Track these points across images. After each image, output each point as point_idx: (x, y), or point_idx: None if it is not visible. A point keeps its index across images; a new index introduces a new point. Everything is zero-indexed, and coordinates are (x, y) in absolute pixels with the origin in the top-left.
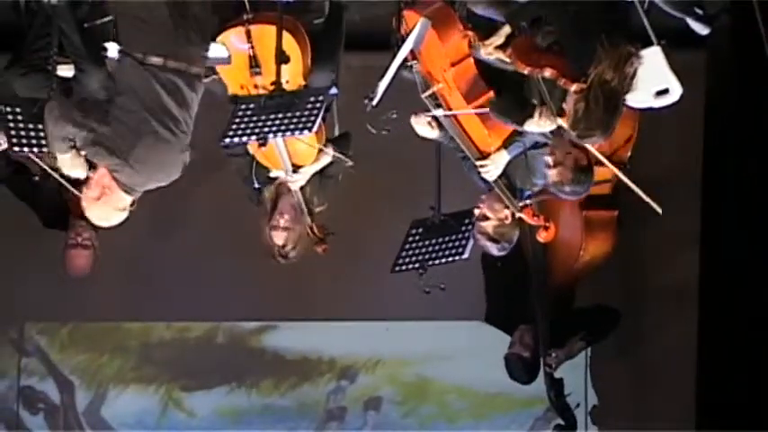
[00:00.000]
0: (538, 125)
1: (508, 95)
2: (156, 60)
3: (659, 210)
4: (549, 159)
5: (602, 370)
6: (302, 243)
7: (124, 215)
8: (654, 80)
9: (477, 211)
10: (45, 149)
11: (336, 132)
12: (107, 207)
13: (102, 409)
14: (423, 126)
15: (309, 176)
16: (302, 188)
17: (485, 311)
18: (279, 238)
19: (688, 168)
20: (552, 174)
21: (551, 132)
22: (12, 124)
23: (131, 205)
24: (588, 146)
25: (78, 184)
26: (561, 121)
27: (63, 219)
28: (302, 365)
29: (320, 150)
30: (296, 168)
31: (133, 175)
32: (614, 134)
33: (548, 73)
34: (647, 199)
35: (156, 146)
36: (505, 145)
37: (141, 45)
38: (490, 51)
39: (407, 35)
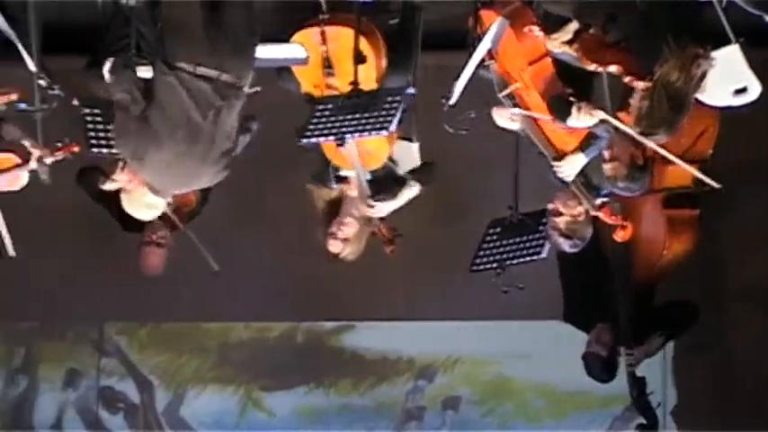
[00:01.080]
0: (578, 120)
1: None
2: (202, 71)
3: (716, 185)
4: (606, 153)
5: (683, 369)
6: (361, 249)
7: (154, 213)
8: (732, 78)
9: (550, 206)
10: None
11: (413, 135)
12: (132, 197)
13: (181, 409)
14: (505, 118)
15: (391, 210)
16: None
17: (562, 310)
18: (335, 247)
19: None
20: (607, 168)
21: (617, 130)
22: (90, 125)
23: (168, 205)
24: (651, 143)
25: None
26: (603, 115)
27: (140, 222)
28: (381, 365)
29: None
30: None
31: (151, 176)
32: (685, 132)
33: (613, 69)
34: (707, 179)
35: (174, 158)
36: (582, 147)
37: (182, 53)
38: (556, 45)
39: (484, 34)
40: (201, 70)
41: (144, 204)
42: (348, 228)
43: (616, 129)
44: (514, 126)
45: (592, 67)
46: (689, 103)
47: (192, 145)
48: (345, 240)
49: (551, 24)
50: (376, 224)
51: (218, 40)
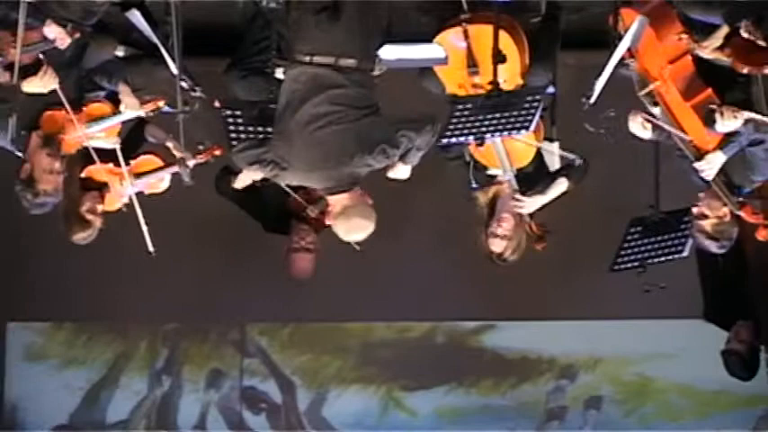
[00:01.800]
0: (723, 126)
1: None
2: (318, 60)
3: None
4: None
5: None
6: (521, 248)
7: None
8: None
9: (695, 210)
10: None
11: (554, 132)
12: None
13: (323, 409)
14: (636, 125)
15: (540, 205)
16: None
17: (702, 308)
18: (497, 246)
19: None
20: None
21: None
22: (232, 127)
23: (312, 210)
24: None
25: (297, 189)
26: (748, 114)
27: (285, 223)
28: (522, 365)
29: (539, 149)
30: (522, 190)
31: (292, 178)
32: None
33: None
34: None
35: (311, 155)
36: (721, 146)
37: (296, 47)
38: (708, 53)
39: (624, 33)
40: (318, 59)
41: None
42: (506, 223)
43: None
44: (647, 135)
45: (746, 70)
46: None
47: (324, 136)
48: (505, 237)
49: (695, 27)
50: (526, 221)
51: (335, 30)
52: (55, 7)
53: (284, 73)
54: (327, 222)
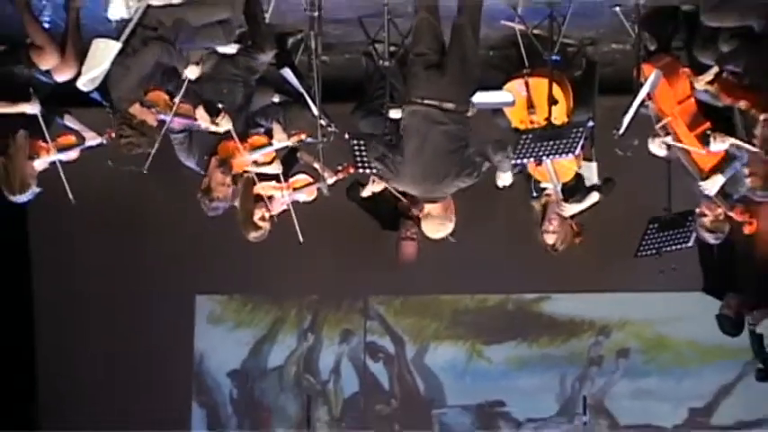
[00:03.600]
0: (714, 146)
1: None
2: (429, 102)
3: None
4: (746, 170)
5: None
6: (568, 239)
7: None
8: None
9: (698, 210)
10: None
11: (593, 155)
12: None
13: (425, 358)
14: (656, 146)
15: (578, 211)
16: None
17: (702, 284)
18: (550, 239)
19: None
20: (748, 181)
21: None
22: (357, 153)
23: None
24: None
25: (405, 195)
26: (732, 140)
27: (395, 221)
28: (570, 326)
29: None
30: (565, 199)
31: (405, 186)
32: None
33: (742, 104)
34: None
35: (419, 172)
36: (721, 170)
37: (413, 91)
38: (702, 84)
39: (645, 82)
40: (428, 102)
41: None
42: (554, 222)
43: (749, 151)
44: (663, 153)
45: (728, 101)
46: None
47: (429, 159)
48: (554, 233)
49: (696, 67)
50: (569, 221)
51: (441, 81)
52: (229, 67)
53: (402, 111)
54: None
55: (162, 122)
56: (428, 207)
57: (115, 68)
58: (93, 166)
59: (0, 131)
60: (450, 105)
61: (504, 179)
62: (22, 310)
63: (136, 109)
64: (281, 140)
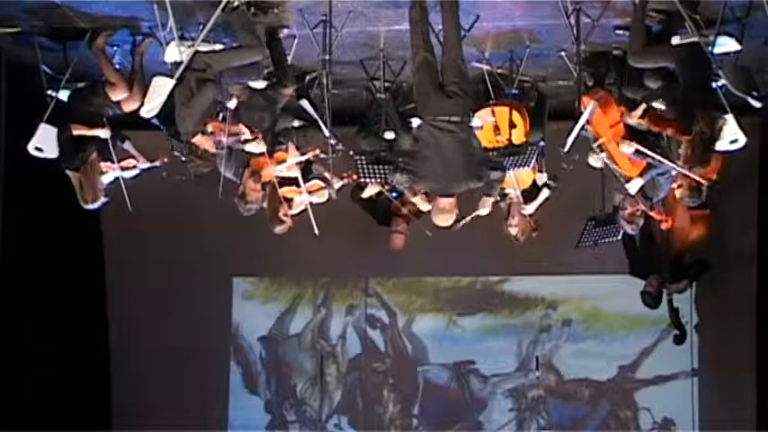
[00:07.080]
0: (624, 149)
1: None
2: (440, 118)
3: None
4: (675, 184)
5: (701, 301)
6: (527, 232)
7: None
8: (729, 134)
9: (620, 203)
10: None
11: (544, 167)
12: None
13: (412, 326)
14: (593, 160)
15: (536, 209)
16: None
17: (628, 267)
18: (513, 231)
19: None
20: (678, 192)
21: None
22: (359, 165)
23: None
24: (693, 174)
25: (400, 197)
26: (636, 146)
27: (389, 218)
28: (525, 301)
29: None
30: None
31: (425, 186)
32: (711, 166)
33: (669, 131)
34: (698, 178)
35: (438, 178)
36: (642, 174)
37: (425, 110)
38: (635, 120)
39: (584, 111)
40: (438, 117)
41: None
42: (515, 219)
43: (663, 164)
44: (599, 165)
45: (657, 130)
46: (713, 148)
47: (447, 160)
48: (516, 227)
49: (625, 100)
50: (528, 219)
51: (447, 102)
52: (259, 99)
53: (418, 127)
54: (424, 210)
55: (218, 143)
56: (443, 201)
57: (181, 109)
58: (150, 179)
59: (78, 150)
60: (456, 119)
61: (485, 208)
62: (97, 292)
63: (198, 140)
64: (295, 157)
